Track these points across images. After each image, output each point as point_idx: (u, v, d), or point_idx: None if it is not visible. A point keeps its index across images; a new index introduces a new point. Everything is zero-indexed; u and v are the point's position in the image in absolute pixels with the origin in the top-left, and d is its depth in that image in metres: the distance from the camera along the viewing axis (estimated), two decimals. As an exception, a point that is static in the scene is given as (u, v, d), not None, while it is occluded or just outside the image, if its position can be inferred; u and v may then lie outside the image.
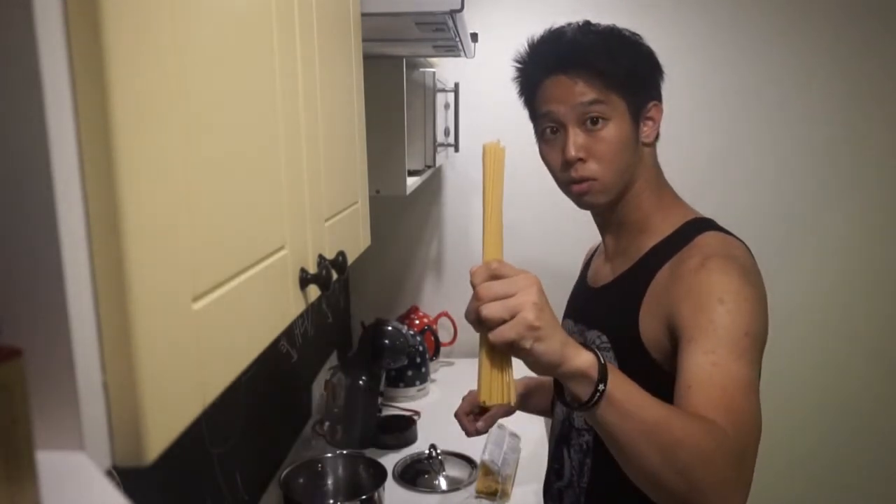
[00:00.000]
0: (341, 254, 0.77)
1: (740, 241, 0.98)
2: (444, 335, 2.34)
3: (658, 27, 2.12)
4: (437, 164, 1.77)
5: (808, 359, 2.29)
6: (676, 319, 0.88)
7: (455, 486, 1.55)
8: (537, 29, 1.05)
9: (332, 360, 2.16)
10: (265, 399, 1.57)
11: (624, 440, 0.71)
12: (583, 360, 0.69)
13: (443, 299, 2.38)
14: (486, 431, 1.32)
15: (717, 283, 0.87)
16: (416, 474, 1.60)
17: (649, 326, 0.94)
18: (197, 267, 0.43)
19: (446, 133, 1.90)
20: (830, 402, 2.32)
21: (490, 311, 0.66)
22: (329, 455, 1.51)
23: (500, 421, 1.41)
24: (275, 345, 1.58)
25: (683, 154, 2.16)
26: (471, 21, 1.97)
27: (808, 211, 2.23)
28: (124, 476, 0.79)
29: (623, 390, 0.71)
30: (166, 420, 0.39)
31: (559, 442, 1.13)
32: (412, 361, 2.02)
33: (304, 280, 0.66)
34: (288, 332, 1.69)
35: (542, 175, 1.07)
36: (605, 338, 1.02)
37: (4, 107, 0.31)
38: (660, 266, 0.97)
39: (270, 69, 0.58)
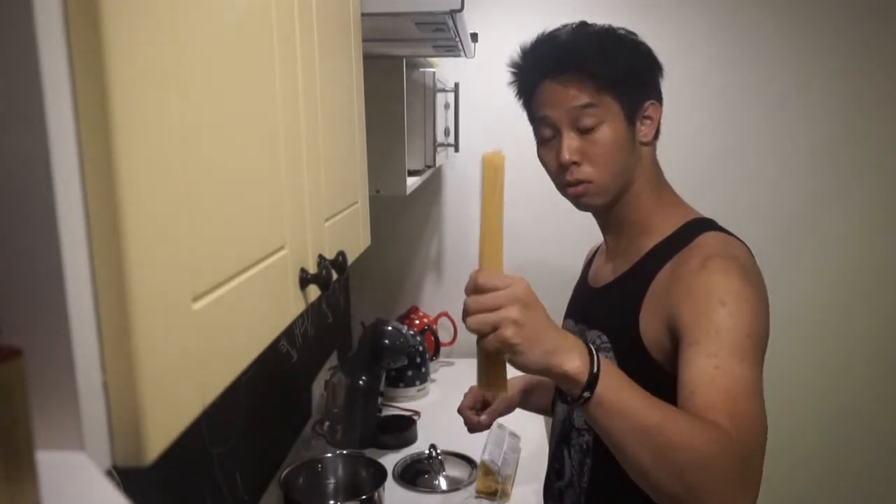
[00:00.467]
0: (341, 254, 0.77)
1: (741, 241, 0.98)
2: (444, 335, 2.34)
3: (658, 27, 2.12)
4: (437, 164, 1.77)
5: (808, 359, 2.29)
6: (677, 320, 0.88)
7: (455, 486, 1.55)
8: (537, 29, 1.05)
9: (332, 360, 2.16)
10: (265, 399, 1.57)
11: (615, 440, 0.72)
12: (570, 366, 0.71)
13: (443, 299, 2.38)
14: (489, 426, 1.32)
15: (718, 283, 0.87)
16: (416, 474, 1.60)
17: (650, 327, 0.94)
18: (197, 267, 0.43)
19: (446, 133, 1.90)
20: (830, 402, 2.32)
21: (474, 323, 0.70)
22: (329, 455, 1.51)
23: (500, 421, 1.41)
24: (275, 345, 1.58)
25: (683, 154, 2.16)
26: (471, 21, 1.97)
27: (808, 211, 2.23)
28: (124, 476, 0.79)
29: (616, 392, 0.71)
30: (166, 420, 0.39)
31: (560, 442, 1.13)
32: (412, 361, 2.02)
33: (304, 280, 0.66)
34: (288, 332, 1.68)
35: (542, 176, 1.07)
36: (605, 338, 1.02)
37: (4, 107, 0.31)
38: (660, 266, 0.97)
39: (270, 69, 0.58)
